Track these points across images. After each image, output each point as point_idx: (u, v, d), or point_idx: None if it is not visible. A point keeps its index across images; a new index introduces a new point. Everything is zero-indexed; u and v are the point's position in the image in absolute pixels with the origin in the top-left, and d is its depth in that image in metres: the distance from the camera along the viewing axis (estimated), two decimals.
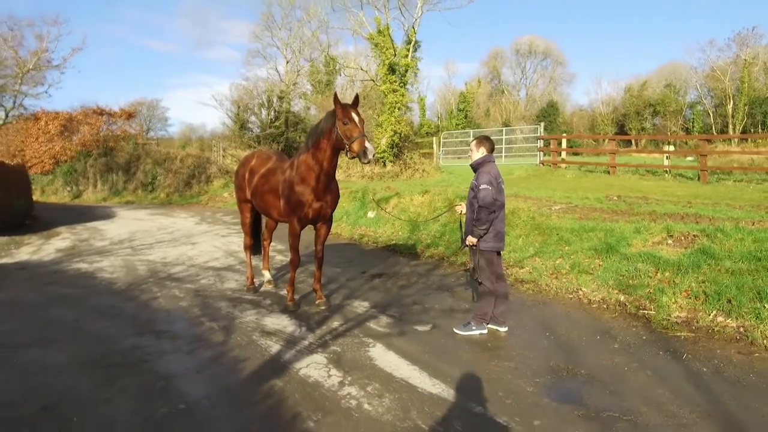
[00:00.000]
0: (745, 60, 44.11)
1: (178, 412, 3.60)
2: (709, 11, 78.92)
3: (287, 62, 40.61)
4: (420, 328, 5.41)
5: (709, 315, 5.29)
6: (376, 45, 22.11)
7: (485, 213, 5.05)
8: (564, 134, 25.13)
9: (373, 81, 26.43)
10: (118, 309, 6.28)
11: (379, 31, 21.84)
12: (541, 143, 21.10)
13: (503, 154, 23.30)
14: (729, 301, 5.34)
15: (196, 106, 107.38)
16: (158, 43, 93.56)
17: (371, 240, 11.05)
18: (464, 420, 3.47)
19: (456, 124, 40.36)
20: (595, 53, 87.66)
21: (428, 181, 16.82)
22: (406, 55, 21.94)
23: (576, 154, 22.93)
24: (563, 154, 20.11)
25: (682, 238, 7.10)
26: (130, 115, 33.20)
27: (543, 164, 19.71)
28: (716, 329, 5.04)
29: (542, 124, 23.59)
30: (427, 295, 6.70)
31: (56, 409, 3.67)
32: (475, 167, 5.36)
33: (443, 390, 3.93)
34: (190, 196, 24.04)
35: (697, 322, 5.23)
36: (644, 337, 5.01)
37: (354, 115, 5.51)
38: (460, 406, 3.67)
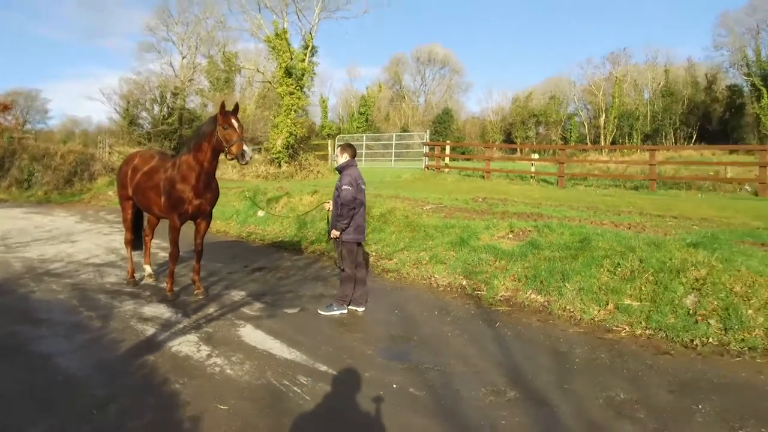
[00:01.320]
0: (617, 77, 50.05)
1: (57, 382, 4.06)
2: (587, 33, 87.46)
3: (183, 58, 39.50)
4: (289, 311, 6.15)
5: (526, 293, 6.56)
6: (273, 48, 22.51)
7: (346, 210, 5.92)
8: (448, 141, 27.08)
9: (270, 83, 26.69)
10: None
11: (277, 35, 22.25)
12: (426, 149, 22.64)
13: (393, 158, 24.65)
14: (541, 282, 6.65)
15: (80, 98, 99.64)
16: (43, 29, 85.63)
17: (259, 237, 11.59)
18: (310, 375, 4.28)
19: (357, 127, 41.39)
20: (490, 64, 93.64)
21: (321, 182, 17.56)
22: (303, 60, 22.54)
23: (468, 159, 24.92)
24: (446, 160, 21.79)
25: (521, 232, 8.46)
26: (5, 107, 30.60)
27: (428, 168, 21.24)
28: (527, 304, 6.31)
29: (428, 131, 25.30)
30: (301, 285, 7.44)
31: None
32: (340, 170, 6.21)
33: (298, 356, 4.71)
34: (71, 194, 22.76)
35: (516, 299, 6.48)
36: (472, 312, 6.14)
37: (234, 121, 6.12)
38: (309, 367, 4.47)
